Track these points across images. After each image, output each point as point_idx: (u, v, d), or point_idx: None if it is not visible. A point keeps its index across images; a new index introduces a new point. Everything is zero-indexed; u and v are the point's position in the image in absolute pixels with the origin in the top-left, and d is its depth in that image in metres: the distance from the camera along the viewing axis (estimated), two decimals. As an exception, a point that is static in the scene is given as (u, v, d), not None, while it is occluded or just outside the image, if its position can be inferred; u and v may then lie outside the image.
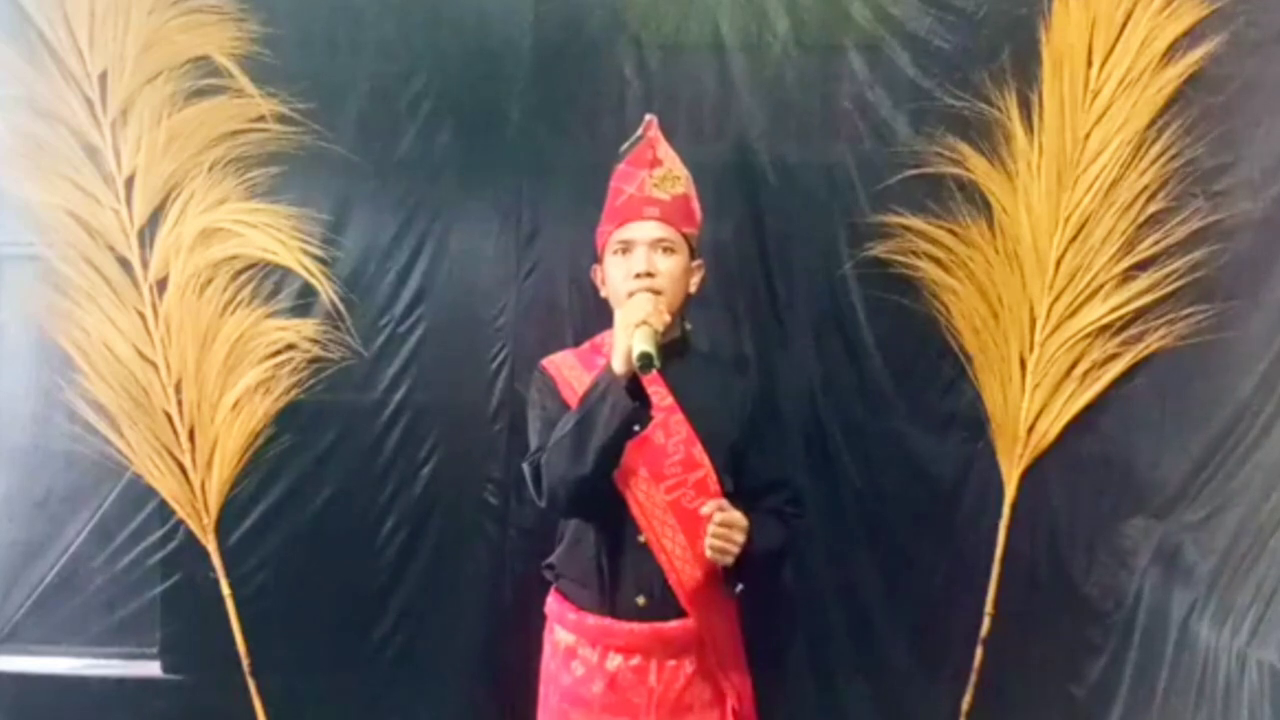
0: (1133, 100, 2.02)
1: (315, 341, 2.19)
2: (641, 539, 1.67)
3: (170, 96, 2.14)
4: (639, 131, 1.78)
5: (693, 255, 1.76)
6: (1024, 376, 2.12)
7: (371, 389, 2.22)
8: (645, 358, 1.50)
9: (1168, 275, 2.00)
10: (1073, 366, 2.09)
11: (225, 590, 2.20)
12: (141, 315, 2.17)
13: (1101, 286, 2.07)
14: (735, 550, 1.61)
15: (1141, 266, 2.03)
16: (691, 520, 1.66)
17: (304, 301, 2.20)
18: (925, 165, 2.12)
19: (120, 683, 2.27)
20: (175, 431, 2.19)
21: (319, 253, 2.19)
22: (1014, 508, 2.15)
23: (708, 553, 1.61)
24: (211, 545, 2.20)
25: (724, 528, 1.60)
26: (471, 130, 2.20)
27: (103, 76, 2.12)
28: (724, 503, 1.64)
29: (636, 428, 1.60)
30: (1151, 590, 1.99)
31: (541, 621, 1.82)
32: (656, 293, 1.65)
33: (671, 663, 1.70)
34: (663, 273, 1.69)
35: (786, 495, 1.83)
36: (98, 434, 2.18)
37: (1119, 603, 2.05)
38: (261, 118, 2.16)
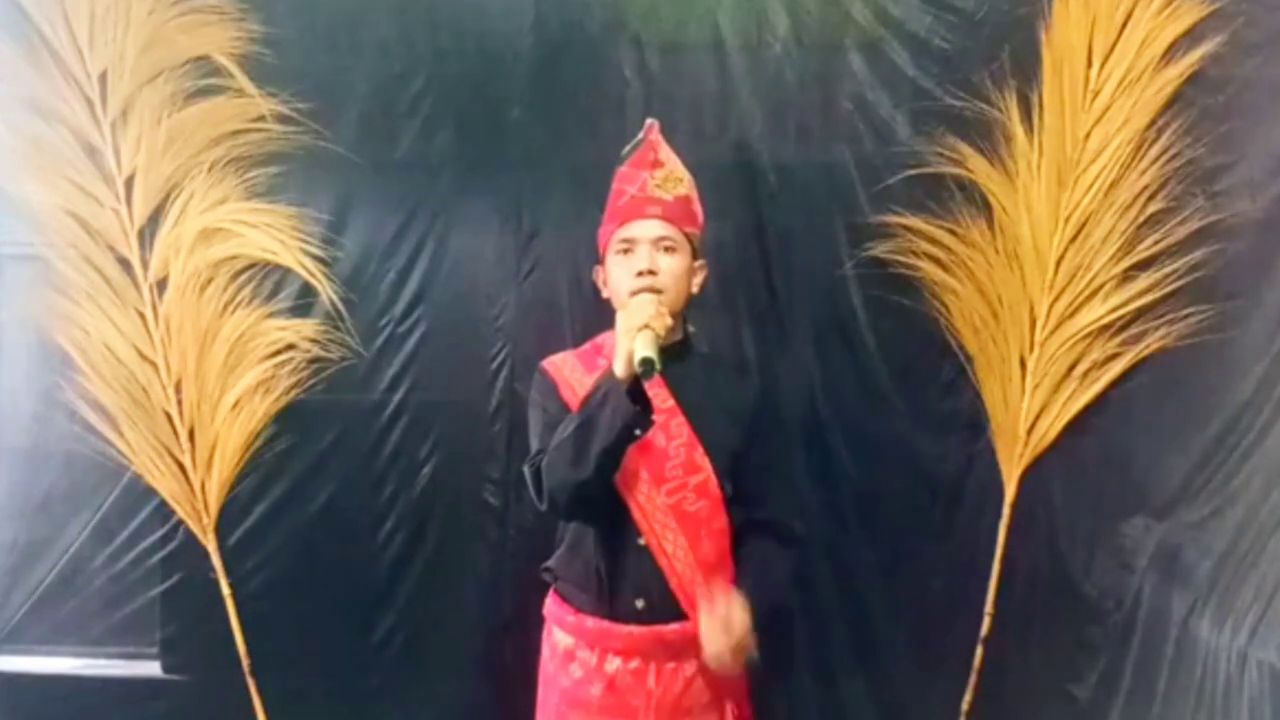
0: (1133, 100, 2.02)
1: (315, 341, 2.19)
2: (642, 542, 1.67)
3: (170, 96, 2.14)
4: (640, 135, 1.77)
5: (695, 256, 1.76)
6: (1024, 376, 2.12)
7: (371, 389, 2.22)
8: (647, 363, 1.49)
9: (1168, 275, 2.00)
10: (1073, 366, 2.10)
11: (225, 590, 2.20)
12: (141, 315, 2.17)
13: (1101, 286, 2.07)
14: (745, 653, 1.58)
15: (1141, 266, 2.04)
16: (692, 523, 1.67)
17: (304, 301, 2.20)
18: (925, 165, 2.12)
19: (120, 683, 2.27)
20: (175, 431, 2.19)
21: (319, 253, 2.19)
22: (1014, 508, 2.15)
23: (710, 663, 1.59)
24: (211, 545, 2.20)
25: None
26: (471, 130, 2.20)
27: (103, 76, 2.12)
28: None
29: (637, 432, 1.59)
30: (1151, 590, 1.99)
31: (541, 622, 1.82)
32: (658, 291, 1.65)
33: (670, 665, 1.69)
34: (665, 271, 1.68)
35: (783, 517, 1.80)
36: (98, 434, 2.18)
37: (1119, 603, 2.05)
38: (261, 118, 2.15)
